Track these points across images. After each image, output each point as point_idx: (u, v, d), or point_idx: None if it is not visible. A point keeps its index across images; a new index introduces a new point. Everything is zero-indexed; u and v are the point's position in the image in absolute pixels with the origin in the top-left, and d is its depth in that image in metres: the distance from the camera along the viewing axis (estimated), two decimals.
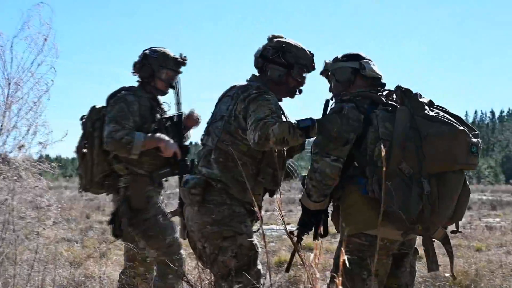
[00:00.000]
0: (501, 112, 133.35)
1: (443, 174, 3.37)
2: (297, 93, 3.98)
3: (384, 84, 3.76)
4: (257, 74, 3.96)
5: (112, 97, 4.80)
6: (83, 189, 5.03)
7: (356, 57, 3.77)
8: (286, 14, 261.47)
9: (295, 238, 3.71)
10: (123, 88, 4.86)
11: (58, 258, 6.45)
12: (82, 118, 4.98)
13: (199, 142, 3.98)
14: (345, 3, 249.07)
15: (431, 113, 3.42)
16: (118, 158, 4.72)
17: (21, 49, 6.11)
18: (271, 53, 3.85)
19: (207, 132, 3.87)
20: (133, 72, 4.97)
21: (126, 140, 4.51)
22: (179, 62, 4.92)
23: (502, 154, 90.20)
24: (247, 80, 3.95)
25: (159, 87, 4.91)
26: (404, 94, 3.50)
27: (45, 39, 6.08)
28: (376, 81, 3.74)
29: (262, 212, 15.97)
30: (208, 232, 3.64)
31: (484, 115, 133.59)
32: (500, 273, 7.21)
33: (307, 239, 3.83)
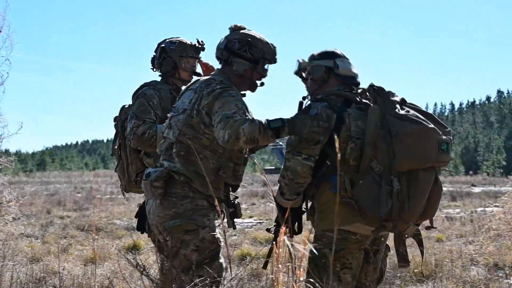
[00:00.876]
0: (460, 104, 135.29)
1: (413, 172, 3.42)
2: (259, 85, 3.97)
3: (358, 83, 3.76)
4: (219, 66, 3.95)
5: (135, 95, 4.74)
6: (124, 190, 4.97)
7: (331, 55, 3.77)
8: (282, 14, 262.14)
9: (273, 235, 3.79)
10: (144, 84, 4.77)
11: (16, 254, 6.37)
12: (115, 119, 4.92)
13: None
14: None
15: (402, 112, 3.46)
16: (148, 153, 4.67)
17: None
18: (237, 46, 3.82)
19: (169, 125, 3.84)
20: (153, 69, 4.90)
21: (148, 134, 4.44)
22: (198, 48, 4.82)
23: (462, 145, 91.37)
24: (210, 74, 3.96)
25: (183, 77, 4.80)
26: (376, 92, 3.56)
27: None
28: (350, 80, 3.74)
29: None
30: (170, 225, 3.62)
31: (444, 107, 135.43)
32: (460, 263, 7.30)
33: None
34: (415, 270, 6.74)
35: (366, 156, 3.36)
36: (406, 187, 3.38)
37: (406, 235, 3.66)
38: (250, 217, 16.57)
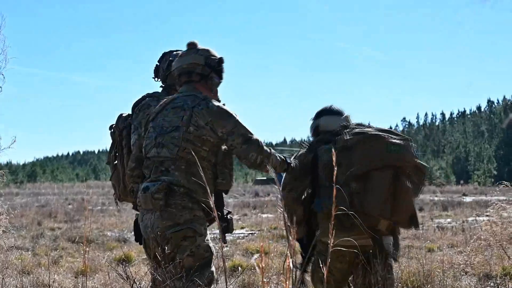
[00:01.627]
0: (451, 114, 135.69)
1: (367, 173, 3.94)
2: None
3: (337, 132, 4.28)
4: (188, 82, 4.13)
5: (137, 105, 4.70)
6: (118, 199, 4.94)
7: (318, 115, 4.62)
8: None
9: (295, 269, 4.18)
10: (147, 95, 4.72)
11: (6, 267, 6.34)
12: (111, 128, 4.87)
13: None
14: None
15: (347, 136, 4.15)
16: None
17: None
18: (215, 63, 4.11)
19: (157, 144, 3.93)
20: (155, 78, 4.87)
21: None
22: None
23: (453, 155, 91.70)
24: (182, 91, 4.11)
25: None
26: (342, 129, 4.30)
27: None
28: (328, 133, 4.42)
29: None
30: (170, 233, 3.69)
31: (435, 117, 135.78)
32: (451, 273, 7.31)
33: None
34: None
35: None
36: (363, 186, 3.92)
37: (380, 229, 4.05)
38: (242, 228, 16.55)
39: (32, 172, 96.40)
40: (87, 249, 5.21)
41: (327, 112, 4.56)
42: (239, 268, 8.22)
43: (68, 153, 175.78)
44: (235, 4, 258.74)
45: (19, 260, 8.36)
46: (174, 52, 4.78)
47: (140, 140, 4.18)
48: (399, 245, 4.44)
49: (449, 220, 18.84)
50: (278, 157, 4.00)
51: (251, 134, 3.92)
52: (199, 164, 3.62)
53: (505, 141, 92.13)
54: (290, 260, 2.51)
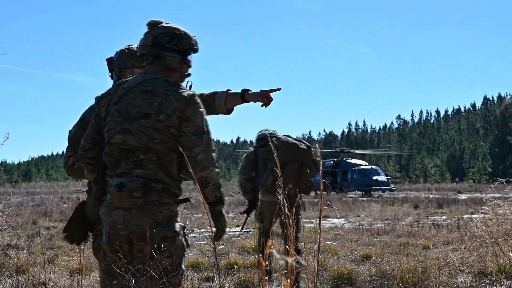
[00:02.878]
0: (446, 111, 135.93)
1: (286, 163, 7.28)
2: (186, 76, 3.95)
3: (272, 136, 7.56)
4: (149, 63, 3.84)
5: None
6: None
7: (259, 133, 7.89)
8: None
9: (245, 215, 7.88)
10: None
11: (2, 265, 6.33)
12: None
13: None
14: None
15: (276, 142, 7.31)
16: None
17: None
18: (166, 40, 3.80)
19: (123, 130, 3.67)
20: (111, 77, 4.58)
21: None
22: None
23: (447, 153, 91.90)
24: (150, 74, 3.81)
25: None
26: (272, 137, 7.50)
27: None
28: (262, 140, 7.55)
29: None
30: (150, 233, 3.57)
31: (430, 115, 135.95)
32: (447, 270, 7.33)
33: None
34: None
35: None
36: (284, 170, 7.05)
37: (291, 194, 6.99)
38: (237, 226, 16.55)
39: (27, 171, 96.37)
40: (83, 247, 5.20)
41: (262, 130, 7.84)
42: (235, 266, 8.23)
43: (63, 152, 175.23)
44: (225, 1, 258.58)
45: (15, 259, 8.35)
46: (124, 48, 4.51)
47: (98, 121, 3.83)
48: (300, 204, 7.56)
49: (444, 217, 18.90)
50: (218, 177, 3.71)
51: (208, 134, 3.68)
52: (164, 155, 3.60)
53: (500, 139, 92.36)
54: (291, 259, 2.50)
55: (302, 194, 7.46)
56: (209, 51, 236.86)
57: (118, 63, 4.43)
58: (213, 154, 3.68)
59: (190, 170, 3.53)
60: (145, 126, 3.62)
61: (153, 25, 3.84)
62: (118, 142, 3.67)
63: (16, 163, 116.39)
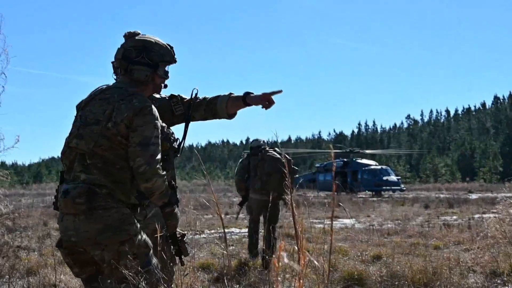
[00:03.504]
0: (456, 110, 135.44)
1: (270, 173, 9.06)
2: (163, 88, 3.97)
3: (261, 149, 9.53)
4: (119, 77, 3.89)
5: None
6: None
7: (251, 143, 9.87)
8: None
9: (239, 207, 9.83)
10: None
11: (12, 267, 6.35)
12: None
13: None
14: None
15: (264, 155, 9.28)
16: None
17: None
18: (134, 54, 3.82)
19: (78, 135, 3.69)
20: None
21: None
22: None
23: (458, 152, 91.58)
24: (116, 83, 3.86)
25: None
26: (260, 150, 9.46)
27: None
28: (256, 149, 9.55)
29: (222, 215, 16.08)
30: (103, 238, 3.51)
31: (440, 114, 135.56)
32: (458, 271, 7.29)
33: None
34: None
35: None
36: (269, 178, 9.03)
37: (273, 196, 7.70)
38: (247, 227, 16.54)
39: (38, 172, 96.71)
40: None
41: (254, 140, 9.80)
42: (245, 267, 8.22)
43: None
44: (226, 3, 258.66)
45: (26, 261, 8.37)
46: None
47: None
48: (279, 203, 9.26)
49: (455, 217, 18.83)
50: (164, 185, 3.66)
51: (155, 146, 3.62)
52: (113, 163, 3.61)
53: (511, 138, 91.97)
54: (303, 260, 2.49)
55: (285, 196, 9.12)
56: (216, 51, 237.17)
57: None
58: (158, 166, 3.60)
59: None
60: (94, 132, 3.64)
61: (127, 37, 3.87)
62: (73, 146, 3.70)
63: (27, 164, 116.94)
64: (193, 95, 4.19)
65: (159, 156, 3.63)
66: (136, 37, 3.86)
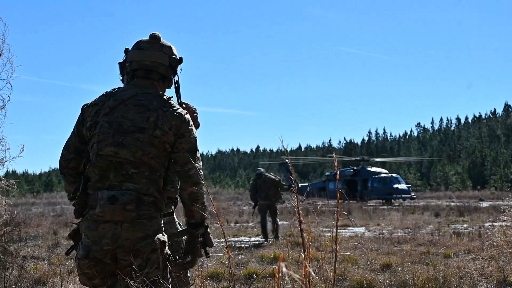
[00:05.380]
0: (466, 118, 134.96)
1: (268, 188, 15.59)
2: None
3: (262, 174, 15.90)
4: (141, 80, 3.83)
5: None
6: None
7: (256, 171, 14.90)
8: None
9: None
10: None
11: (19, 276, 6.37)
12: None
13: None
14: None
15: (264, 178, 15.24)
16: None
17: None
18: (176, 64, 3.87)
19: (116, 143, 3.61)
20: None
21: None
22: None
23: (469, 160, 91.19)
24: (144, 88, 3.77)
25: None
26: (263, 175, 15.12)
27: (0, 54, 6.03)
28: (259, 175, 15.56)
29: (232, 224, 16.37)
30: (141, 246, 3.52)
31: (450, 122, 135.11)
32: (468, 280, 7.26)
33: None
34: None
35: None
36: (268, 191, 15.68)
37: (271, 201, 15.32)
38: (257, 235, 16.54)
39: (48, 181, 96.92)
40: None
41: (258, 169, 16.26)
42: (254, 275, 8.21)
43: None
44: (233, 7, 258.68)
45: (35, 270, 8.39)
46: None
47: (84, 131, 3.76)
48: (276, 206, 15.59)
49: (465, 225, 18.75)
50: (204, 195, 3.73)
51: (198, 152, 3.75)
52: (155, 170, 3.61)
53: None
54: (309, 269, 2.48)
55: (279, 200, 15.98)
56: (223, 60, 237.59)
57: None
58: (202, 172, 3.70)
59: (172, 189, 3.68)
60: (140, 140, 3.60)
61: (158, 40, 3.83)
62: (109, 155, 3.61)
63: (37, 173, 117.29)
64: (175, 82, 4.08)
65: (201, 163, 3.75)
66: (172, 46, 3.86)
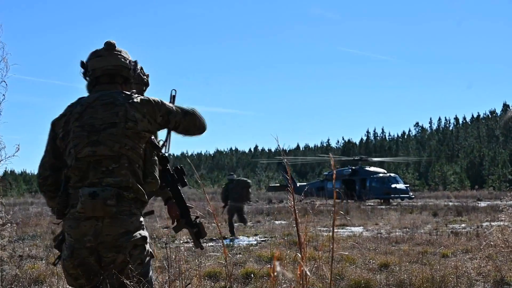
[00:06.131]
0: (465, 118, 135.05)
1: (240, 190, 18.06)
2: None
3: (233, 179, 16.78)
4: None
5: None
6: None
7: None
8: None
9: None
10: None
11: (16, 275, 6.36)
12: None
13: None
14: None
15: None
16: None
17: None
18: (134, 65, 4.00)
19: (92, 142, 3.65)
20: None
21: None
22: (142, 78, 4.61)
23: (467, 160, 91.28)
24: (109, 91, 3.87)
25: None
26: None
27: None
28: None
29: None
30: (122, 241, 3.53)
31: (448, 122, 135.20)
32: (465, 279, 7.26)
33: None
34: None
35: None
36: (240, 192, 17.65)
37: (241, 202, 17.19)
38: (255, 235, 16.56)
39: None
40: None
41: (230, 174, 18.88)
42: (252, 275, 8.21)
43: None
44: (237, 10, 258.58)
45: (33, 270, 8.39)
46: None
47: (58, 143, 3.80)
48: (243, 206, 17.68)
49: (463, 225, 18.77)
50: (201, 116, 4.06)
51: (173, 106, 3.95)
52: (134, 161, 3.66)
53: None
54: (305, 268, 2.49)
55: (248, 202, 18.43)
56: (222, 59, 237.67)
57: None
58: (190, 108, 3.95)
59: (152, 180, 3.77)
60: (114, 134, 3.66)
61: (114, 46, 3.95)
62: (87, 155, 3.66)
63: (35, 173, 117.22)
64: (171, 96, 4.20)
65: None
66: (126, 51, 4.00)
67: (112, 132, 3.66)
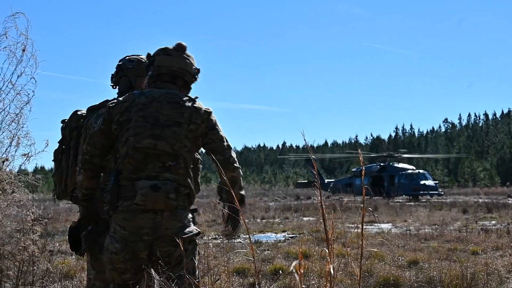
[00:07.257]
0: (494, 114, 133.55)
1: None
2: None
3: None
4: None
5: (93, 110, 4.55)
6: (57, 197, 4.83)
7: None
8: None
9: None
10: (106, 101, 4.48)
11: (46, 271, 6.42)
12: (63, 122, 4.76)
13: None
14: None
15: None
16: None
17: (0, 61, 6.15)
18: (196, 73, 4.05)
19: (154, 135, 3.71)
20: (112, 86, 4.68)
21: None
22: None
23: (497, 156, 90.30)
24: (160, 87, 3.91)
25: None
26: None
27: (23, 50, 6.08)
28: None
29: (258, 220, 16.42)
30: (181, 235, 3.59)
31: (478, 118, 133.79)
32: (496, 277, 7.19)
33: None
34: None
35: None
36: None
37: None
38: (283, 231, 16.54)
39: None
40: None
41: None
42: (280, 271, 8.21)
43: None
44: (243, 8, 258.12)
45: (62, 265, 8.46)
46: (127, 58, 4.63)
47: (109, 127, 3.83)
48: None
49: (493, 222, 18.58)
50: (242, 176, 4.01)
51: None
52: (190, 164, 3.79)
53: None
54: (331, 266, 2.48)
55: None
56: (250, 56, 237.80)
57: (136, 72, 4.55)
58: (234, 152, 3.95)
59: (196, 186, 3.90)
60: (177, 133, 3.73)
61: (184, 50, 4.00)
62: (146, 147, 3.70)
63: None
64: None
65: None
66: (193, 56, 4.04)
67: (175, 131, 3.73)
